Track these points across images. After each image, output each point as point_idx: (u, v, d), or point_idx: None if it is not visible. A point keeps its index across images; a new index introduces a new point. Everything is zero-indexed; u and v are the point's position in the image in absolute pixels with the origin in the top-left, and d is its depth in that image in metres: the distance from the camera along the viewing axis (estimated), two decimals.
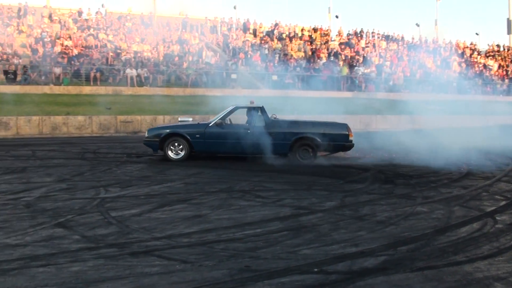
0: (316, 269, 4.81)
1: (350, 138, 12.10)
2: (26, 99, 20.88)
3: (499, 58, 40.98)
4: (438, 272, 4.81)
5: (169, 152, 11.93)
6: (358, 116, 22.82)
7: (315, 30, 37.27)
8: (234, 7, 39.50)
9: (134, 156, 12.78)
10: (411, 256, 5.26)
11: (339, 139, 12.09)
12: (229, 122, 12.21)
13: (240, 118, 12.58)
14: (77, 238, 5.73)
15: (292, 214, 7.03)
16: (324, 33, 37.44)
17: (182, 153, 11.93)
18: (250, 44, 32.14)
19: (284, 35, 35.12)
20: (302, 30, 36.72)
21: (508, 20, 45.70)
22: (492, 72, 38.31)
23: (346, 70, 31.47)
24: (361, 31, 38.54)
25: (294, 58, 32.06)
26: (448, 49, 39.07)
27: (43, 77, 24.44)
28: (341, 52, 34.44)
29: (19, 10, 30.16)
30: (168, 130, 12.07)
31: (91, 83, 24.95)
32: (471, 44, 41.69)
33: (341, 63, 32.54)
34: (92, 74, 25.01)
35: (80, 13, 31.59)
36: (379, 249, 5.45)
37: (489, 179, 10.20)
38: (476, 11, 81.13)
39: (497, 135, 17.42)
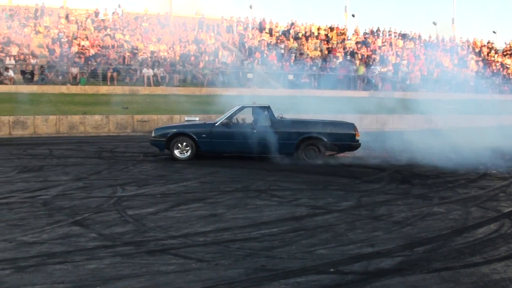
0: (332, 269, 4.80)
1: (357, 137, 12.06)
2: (43, 99, 21.08)
3: None
4: (454, 273, 4.77)
5: (176, 152, 11.97)
6: (374, 116, 22.73)
7: (331, 29, 37.13)
8: (250, 7, 39.53)
9: (151, 155, 12.84)
10: (427, 257, 5.22)
11: (346, 138, 12.05)
12: (236, 122, 12.20)
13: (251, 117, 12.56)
14: (94, 236, 5.77)
15: (308, 213, 7.01)
16: (340, 32, 37.29)
17: (189, 153, 11.97)
18: (266, 44, 32.12)
19: (300, 34, 35.04)
20: (318, 29, 36.60)
21: None
22: (509, 71, 37.87)
23: (362, 69, 31.31)
24: (378, 30, 38.31)
25: (310, 57, 31.98)
26: (465, 47, 38.71)
27: (60, 77, 24.65)
28: (357, 51, 34.28)
29: (36, 11, 30.47)
30: (174, 130, 12.12)
31: (108, 82, 25.13)
32: (488, 42, 41.27)
33: (357, 62, 32.39)
34: (109, 74, 25.20)
35: (96, 13, 31.84)
36: (395, 249, 5.41)
37: (506, 179, 10.09)
38: (493, 9, 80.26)
39: None
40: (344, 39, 36.65)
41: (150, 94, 24.56)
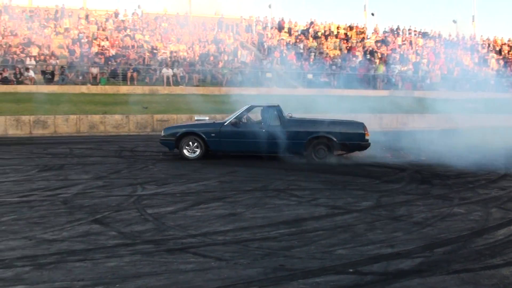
0: (351, 270, 4.77)
1: (367, 137, 11.98)
2: (63, 99, 21.31)
3: None
4: (474, 275, 4.72)
5: (185, 151, 12.03)
6: (395, 115, 22.59)
7: (350, 28, 36.97)
8: (269, 6, 39.49)
9: (170, 155, 12.89)
10: (447, 258, 5.17)
11: (355, 138, 11.99)
12: (245, 121, 12.20)
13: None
14: (114, 234, 5.82)
15: (327, 213, 6.99)
16: (359, 31, 37.12)
17: (198, 152, 12.01)
18: (285, 43, 32.09)
19: (319, 34, 34.94)
20: (337, 28, 36.46)
21: None
22: None
23: (382, 68, 31.11)
24: (397, 28, 38.03)
25: (329, 56, 31.87)
26: (486, 46, 38.26)
27: (80, 77, 24.91)
28: (377, 50, 34.08)
29: (56, 12, 30.83)
30: (183, 129, 12.18)
31: (128, 82, 25.32)
32: (509, 40, 40.69)
33: (377, 61, 32.20)
34: (128, 74, 25.39)
35: (116, 14, 32.11)
36: (415, 250, 5.37)
37: None
38: None
39: None
40: (363, 38, 36.47)
41: (169, 93, 24.67)
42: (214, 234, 5.85)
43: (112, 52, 27.08)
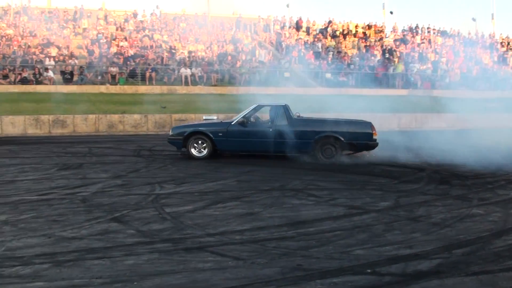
0: (369, 270, 4.75)
1: (374, 137, 11.89)
2: (82, 98, 21.52)
3: None
4: (493, 277, 4.66)
5: (192, 150, 12.06)
6: (413, 115, 22.43)
7: (369, 26, 36.76)
8: (287, 6, 39.44)
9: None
10: (466, 259, 5.11)
11: (363, 137, 11.91)
12: (253, 120, 12.19)
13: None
14: (132, 232, 5.85)
15: (345, 213, 6.96)
16: (378, 30, 36.89)
17: (205, 151, 12.04)
18: (303, 42, 32.02)
19: (337, 33, 34.81)
20: (356, 27, 36.28)
21: None
22: None
23: (401, 67, 30.88)
24: (416, 27, 37.73)
25: (348, 55, 31.74)
26: (505, 44, 37.79)
27: (99, 77, 25.11)
28: (396, 48, 33.85)
29: (75, 13, 31.12)
30: (191, 129, 12.21)
31: (147, 82, 25.47)
32: None
33: (396, 60, 31.98)
34: (147, 74, 25.54)
35: (135, 14, 32.31)
36: (433, 251, 5.32)
37: None
38: None
39: None
40: (382, 36, 36.25)
41: (187, 93, 24.77)
42: (231, 233, 5.86)
43: (131, 52, 27.27)
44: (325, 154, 11.79)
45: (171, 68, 26.63)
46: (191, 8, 34.80)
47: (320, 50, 31.55)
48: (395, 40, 35.57)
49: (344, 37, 34.45)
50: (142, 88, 24.80)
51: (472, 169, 10.81)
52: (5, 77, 23.17)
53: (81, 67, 25.07)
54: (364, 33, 35.75)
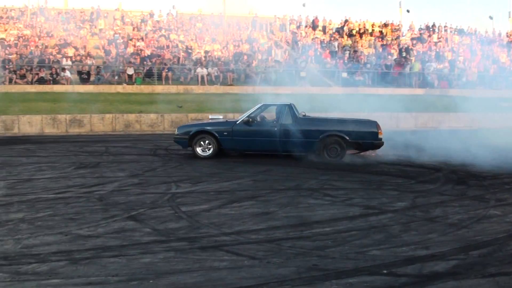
0: (385, 271, 4.72)
1: (380, 136, 11.83)
2: (99, 98, 21.69)
3: None
4: (510, 279, 4.61)
5: (198, 149, 12.11)
6: (430, 114, 22.26)
7: (385, 25, 36.53)
8: (303, 5, 39.45)
9: None
10: (482, 261, 5.06)
11: (368, 137, 11.85)
12: (258, 119, 12.18)
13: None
14: (148, 231, 5.88)
15: (361, 213, 6.93)
16: (395, 28, 36.63)
17: (211, 151, 12.08)
18: (319, 41, 31.92)
19: (354, 31, 34.64)
20: (372, 25, 36.08)
21: None
22: None
23: (418, 66, 30.64)
24: (433, 25, 37.40)
25: (364, 54, 31.58)
26: None
27: (116, 77, 25.27)
28: (412, 47, 33.60)
29: (92, 13, 31.35)
30: (196, 128, 12.26)
31: (163, 82, 25.59)
32: None
33: (412, 59, 31.74)
34: (163, 74, 25.65)
35: (151, 15, 32.45)
36: (450, 252, 5.28)
37: None
38: None
39: None
40: (398, 35, 36.00)
41: (204, 93, 24.85)
42: (247, 233, 5.86)
43: (147, 52, 27.41)
44: (330, 153, 11.77)
45: (188, 67, 26.72)
46: (207, 8, 34.95)
47: (337, 49, 31.43)
48: (412, 39, 35.30)
49: (361, 36, 34.27)
50: (159, 88, 24.92)
51: (490, 170, 10.70)
52: (23, 77, 23.42)
53: (98, 67, 25.27)
54: (381, 32, 35.53)
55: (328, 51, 30.49)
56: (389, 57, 31.49)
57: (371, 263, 4.90)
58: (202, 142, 12.11)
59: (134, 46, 27.85)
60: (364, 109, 16.37)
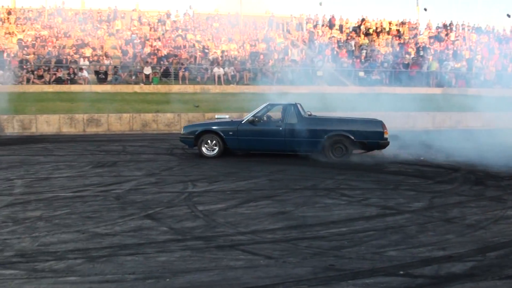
0: (402, 272, 4.70)
1: (385, 135, 11.74)
2: (117, 98, 21.81)
3: None
4: None
5: (203, 149, 12.14)
6: (448, 113, 22.06)
7: (403, 23, 36.26)
8: (320, 4, 39.21)
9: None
10: (500, 262, 5.01)
11: (374, 136, 11.76)
12: (263, 119, 12.16)
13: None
14: (165, 229, 5.92)
15: (378, 214, 6.90)
16: (412, 27, 36.34)
17: (216, 150, 12.10)
18: (336, 41, 31.81)
19: (371, 30, 34.44)
20: (389, 24, 35.84)
21: None
22: None
23: (435, 65, 30.37)
24: (451, 24, 37.05)
25: (381, 53, 31.39)
26: None
27: (133, 77, 25.42)
28: (430, 46, 33.32)
29: (109, 14, 31.57)
30: (202, 127, 12.30)
31: (180, 81, 25.67)
32: None
33: (430, 57, 31.47)
34: (180, 73, 25.73)
35: (168, 15, 32.59)
36: (467, 254, 5.24)
37: None
38: None
39: None
40: (416, 34, 35.71)
41: (220, 92, 24.88)
42: (263, 232, 5.87)
43: (164, 52, 27.53)
44: (336, 153, 11.72)
45: (204, 67, 26.78)
46: (224, 8, 34.95)
47: (353, 48, 31.29)
48: (429, 37, 35.01)
49: (378, 35, 34.05)
50: (175, 88, 25.00)
51: (508, 170, 10.58)
52: (40, 77, 23.64)
53: (115, 67, 25.41)
54: (398, 31, 35.28)
55: (345, 50, 30.36)
56: (406, 56, 31.26)
57: (388, 264, 4.88)
58: (207, 142, 12.16)
59: (151, 46, 27.99)
60: (380, 109, 16.27)
